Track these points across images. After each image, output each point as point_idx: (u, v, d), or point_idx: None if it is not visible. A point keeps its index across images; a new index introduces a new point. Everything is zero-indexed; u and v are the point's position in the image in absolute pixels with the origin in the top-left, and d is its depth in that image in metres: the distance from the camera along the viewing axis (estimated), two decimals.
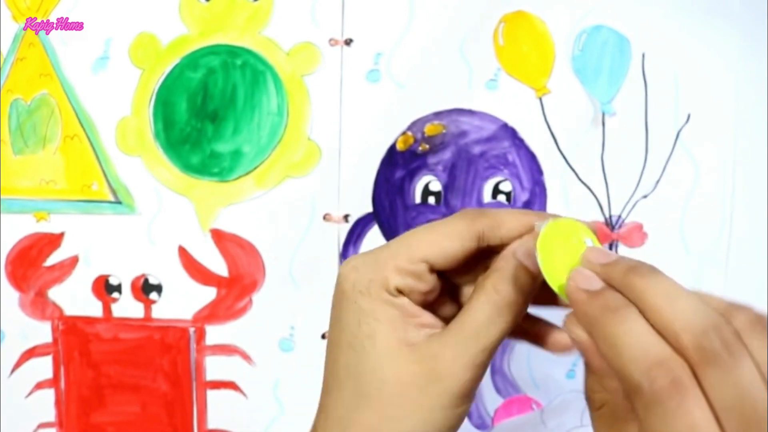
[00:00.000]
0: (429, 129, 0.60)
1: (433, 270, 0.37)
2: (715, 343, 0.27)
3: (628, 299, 0.30)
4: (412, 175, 0.61)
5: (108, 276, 0.61)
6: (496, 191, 0.61)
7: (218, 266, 0.61)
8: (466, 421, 0.64)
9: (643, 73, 0.61)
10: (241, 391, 0.62)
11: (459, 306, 0.39)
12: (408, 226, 0.61)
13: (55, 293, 0.61)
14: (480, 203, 0.61)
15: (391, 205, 0.61)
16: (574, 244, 0.34)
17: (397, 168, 0.61)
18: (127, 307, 0.61)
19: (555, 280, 0.34)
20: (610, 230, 0.62)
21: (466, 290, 0.40)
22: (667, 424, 0.27)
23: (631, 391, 0.28)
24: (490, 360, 0.36)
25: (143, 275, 0.61)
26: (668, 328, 0.28)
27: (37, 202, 0.60)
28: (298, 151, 0.60)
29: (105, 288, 0.61)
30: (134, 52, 0.59)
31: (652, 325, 0.28)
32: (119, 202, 0.60)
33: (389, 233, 0.61)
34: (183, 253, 0.61)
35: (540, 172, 0.61)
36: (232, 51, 0.59)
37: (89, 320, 0.62)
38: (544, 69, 0.60)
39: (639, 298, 0.29)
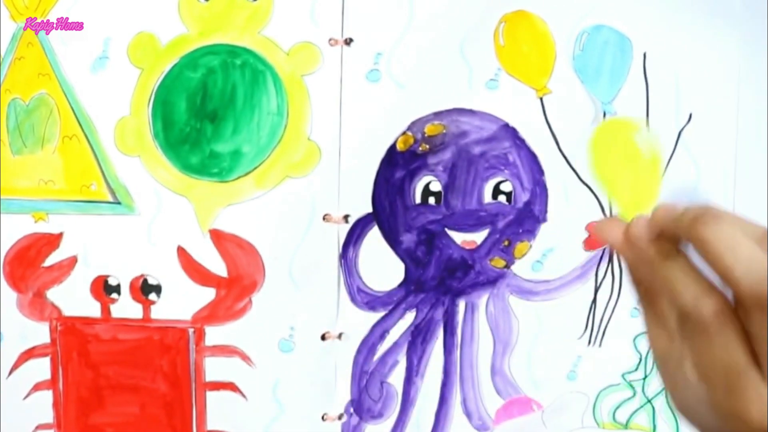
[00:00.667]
0: (429, 129, 0.60)
1: None
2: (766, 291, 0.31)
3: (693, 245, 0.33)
4: (412, 175, 0.61)
5: (107, 276, 0.61)
6: (496, 191, 0.61)
7: (218, 267, 0.60)
8: (466, 421, 0.64)
9: (644, 73, 0.60)
10: (241, 392, 0.62)
11: None
12: (408, 227, 0.61)
13: (53, 294, 0.61)
14: (480, 203, 0.61)
15: (391, 206, 0.61)
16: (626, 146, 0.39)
17: (397, 168, 0.61)
18: (126, 307, 0.61)
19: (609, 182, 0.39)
20: None
21: None
22: (708, 347, 0.32)
23: (681, 317, 0.33)
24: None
25: (142, 276, 0.61)
26: (729, 273, 0.32)
27: (35, 202, 0.60)
28: (298, 151, 0.59)
29: (104, 288, 0.61)
30: (133, 52, 0.59)
31: (714, 268, 0.32)
32: (118, 203, 0.60)
33: (389, 233, 0.61)
34: (182, 253, 0.60)
35: (541, 172, 0.61)
36: (232, 51, 0.59)
37: (88, 321, 0.61)
38: (544, 69, 0.60)
39: (703, 246, 0.33)
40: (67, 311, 0.61)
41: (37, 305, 0.61)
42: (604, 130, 0.41)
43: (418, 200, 0.61)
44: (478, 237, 0.62)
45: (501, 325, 0.63)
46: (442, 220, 0.61)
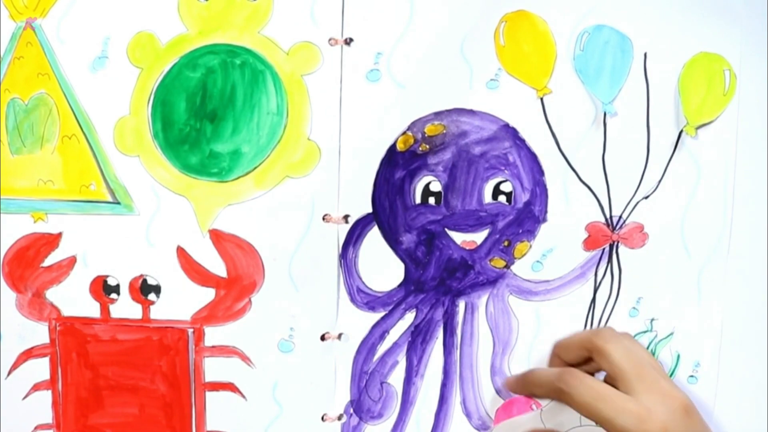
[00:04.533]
0: (429, 129, 0.60)
1: None
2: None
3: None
4: (412, 175, 0.61)
5: (106, 277, 0.61)
6: (496, 192, 0.61)
7: (217, 267, 0.60)
8: (466, 421, 0.64)
9: (645, 73, 0.60)
10: (240, 393, 0.62)
11: None
12: (408, 227, 0.61)
13: (52, 294, 0.61)
14: (480, 204, 0.61)
15: (391, 206, 0.61)
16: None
17: (397, 168, 0.60)
18: (125, 307, 0.61)
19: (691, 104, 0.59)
20: (610, 231, 0.62)
21: None
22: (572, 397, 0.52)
23: (552, 392, 0.53)
24: None
25: (141, 276, 0.61)
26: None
27: (34, 202, 0.60)
28: (298, 151, 0.59)
29: (103, 289, 0.61)
30: (133, 52, 0.59)
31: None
32: (117, 203, 0.60)
33: (389, 234, 0.61)
34: (182, 253, 0.60)
35: (541, 172, 0.61)
36: (231, 50, 0.59)
37: (87, 321, 0.61)
38: (545, 69, 0.60)
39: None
40: (66, 311, 0.61)
41: (36, 305, 0.61)
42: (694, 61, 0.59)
43: (418, 200, 0.61)
44: (478, 237, 0.62)
45: (501, 325, 0.63)
46: (442, 220, 0.61)
